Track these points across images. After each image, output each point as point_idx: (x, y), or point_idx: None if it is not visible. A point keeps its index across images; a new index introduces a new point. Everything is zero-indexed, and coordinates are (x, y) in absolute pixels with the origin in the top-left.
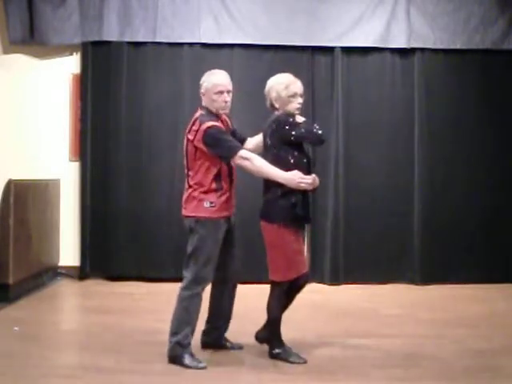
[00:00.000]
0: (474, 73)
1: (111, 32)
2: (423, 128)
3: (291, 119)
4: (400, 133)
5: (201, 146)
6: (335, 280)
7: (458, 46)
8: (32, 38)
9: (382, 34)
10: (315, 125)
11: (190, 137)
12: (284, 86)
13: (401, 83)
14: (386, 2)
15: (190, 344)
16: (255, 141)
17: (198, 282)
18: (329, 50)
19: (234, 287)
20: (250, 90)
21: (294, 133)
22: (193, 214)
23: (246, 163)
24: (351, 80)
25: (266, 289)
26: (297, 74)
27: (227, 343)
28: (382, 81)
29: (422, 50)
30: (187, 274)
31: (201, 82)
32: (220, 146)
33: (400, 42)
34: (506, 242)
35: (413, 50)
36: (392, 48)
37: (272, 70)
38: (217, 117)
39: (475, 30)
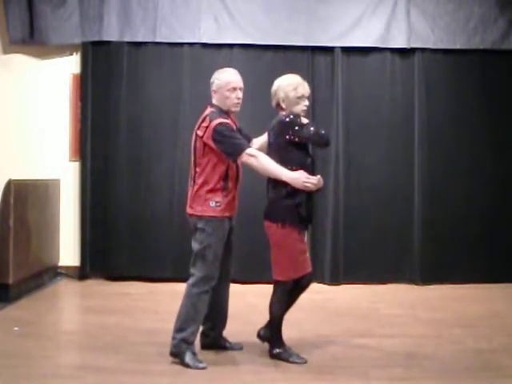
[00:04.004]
0: (473, 73)
1: (111, 32)
2: (423, 128)
3: (299, 120)
4: (400, 133)
5: (210, 142)
6: (335, 280)
7: (457, 46)
8: (32, 38)
9: (382, 34)
10: (320, 127)
11: (200, 133)
12: (292, 88)
13: (401, 83)
14: (386, 2)
15: (194, 342)
16: (261, 141)
17: (207, 279)
18: (329, 50)
19: (229, 286)
20: (249, 90)
21: (301, 134)
22: (199, 213)
23: (252, 160)
24: (351, 80)
25: (266, 288)
26: (297, 74)
27: (226, 343)
28: (382, 81)
29: (422, 50)
30: (196, 272)
31: (212, 80)
32: (228, 143)
33: (400, 42)
34: (506, 241)
35: (413, 50)
36: (392, 48)
37: (272, 70)
38: (227, 115)
39: (475, 30)
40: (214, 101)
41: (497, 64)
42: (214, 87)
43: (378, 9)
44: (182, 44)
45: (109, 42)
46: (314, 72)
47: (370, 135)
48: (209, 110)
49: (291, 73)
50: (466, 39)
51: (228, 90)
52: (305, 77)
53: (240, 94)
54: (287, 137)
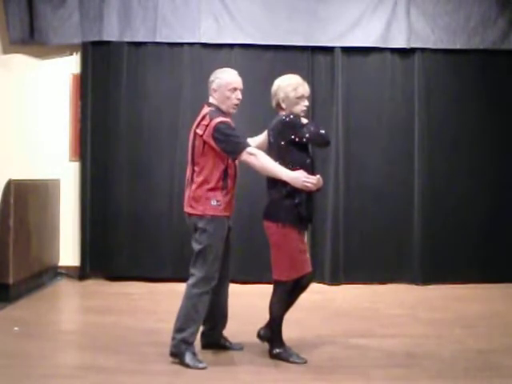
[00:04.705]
0: (474, 73)
1: (111, 32)
2: (423, 128)
3: (299, 120)
4: (400, 133)
5: (210, 141)
6: (335, 280)
7: (457, 46)
8: (32, 38)
9: (382, 34)
10: (320, 127)
11: (200, 131)
12: (292, 88)
13: (401, 83)
14: (386, 2)
15: (194, 342)
16: (257, 141)
17: (207, 280)
18: (329, 50)
19: (228, 285)
20: (249, 90)
21: (302, 134)
22: (200, 213)
23: (251, 159)
24: (351, 80)
25: (266, 288)
26: (297, 74)
27: (226, 343)
28: (382, 81)
29: (422, 50)
30: (196, 272)
31: (211, 79)
32: (228, 142)
33: (400, 42)
34: (506, 241)
35: (413, 50)
36: (392, 48)
37: (272, 70)
38: (225, 114)
39: (475, 30)
40: (212, 100)
41: (497, 64)
42: (214, 86)
43: (378, 9)
44: (182, 44)
45: (109, 42)
46: (314, 72)
47: (369, 135)
48: (207, 108)
49: (291, 73)
50: (466, 39)
51: (229, 90)
52: (305, 77)
53: (240, 95)
54: (289, 137)
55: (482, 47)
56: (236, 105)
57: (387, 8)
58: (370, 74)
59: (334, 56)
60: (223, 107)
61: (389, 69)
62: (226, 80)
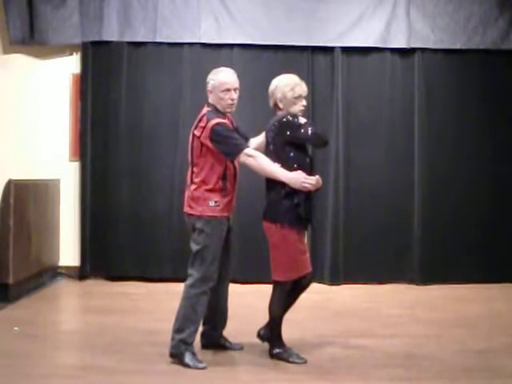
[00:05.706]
0: (474, 73)
1: (111, 32)
2: (423, 128)
3: (296, 120)
4: (400, 133)
5: (207, 142)
6: (335, 280)
7: (458, 46)
8: (32, 38)
9: (382, 34)
10: (318, 127)
11: (197, 133)
12: (290, 88)
13: (401, 83)
14: (386, 2)
15: (193, 342)
16: (258, 141)
17: (205, 280)
18: (329, 50)
19: (228, 285)
20: (249, 90)
21: (299, 134)
22: (198, 213)
23: (250, 160)
24: (351, 80)
25: (266, 288)
26: (297, 74)
27: (226, 343)
28: (382, 81)
29: (422, 50)
30: (194, 272)
31: (207, 80)
32: (226, 144)
33: (400, 42)
34: (506, 242)
35: (413, 50)
36: (392, 48)
37: (272, 70)
38: (223, 114)
39: (475, 30)
40: (210, 100)
41: (497, 64)
42: (209, 87)
43: (378, 9)
44: (182, 44)
45: (109, 42)
46: (314, 72)
47: (369, 135)
48: (205, 109)
49: (291, 73)
50: (466, 39)
51: (222, 92)
52: (305, 77)
53: (234, 95)
54: (287, 137)
55: (482, 47)
56: (231, 105)
57: (387, 8)
58: (370, 74)
59: (334, 56)
60: (219, 107)
61: (389, 69)
62: (220, 81)
